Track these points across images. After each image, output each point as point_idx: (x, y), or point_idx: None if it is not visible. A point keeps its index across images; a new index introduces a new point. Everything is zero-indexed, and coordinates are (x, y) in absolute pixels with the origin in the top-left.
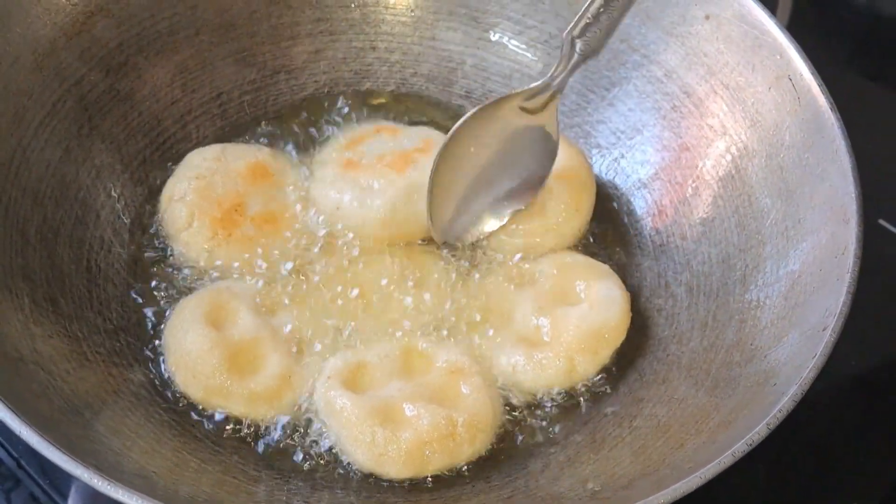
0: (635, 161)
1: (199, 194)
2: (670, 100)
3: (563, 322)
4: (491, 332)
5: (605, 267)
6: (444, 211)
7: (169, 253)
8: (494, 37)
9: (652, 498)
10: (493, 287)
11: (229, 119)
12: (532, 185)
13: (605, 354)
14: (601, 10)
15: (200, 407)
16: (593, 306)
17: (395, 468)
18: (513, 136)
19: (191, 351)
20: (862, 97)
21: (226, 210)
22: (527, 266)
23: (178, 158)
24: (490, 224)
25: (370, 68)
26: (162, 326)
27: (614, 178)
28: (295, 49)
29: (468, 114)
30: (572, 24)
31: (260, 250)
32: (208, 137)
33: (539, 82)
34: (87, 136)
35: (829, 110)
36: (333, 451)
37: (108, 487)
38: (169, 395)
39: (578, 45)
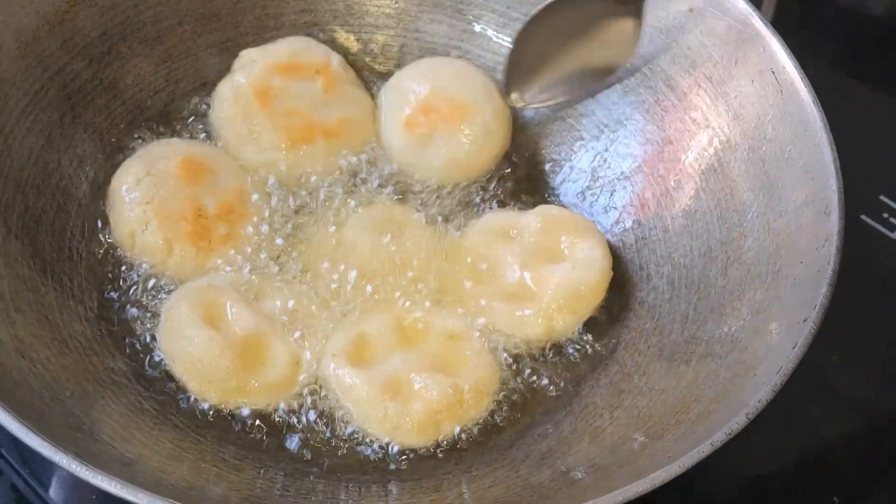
0: (618, 154)
1: (161, 216)
2: (654, 93)
3: (545, 281)
4: (474, 289)
5: (590, 223)
6: (519, 73)
7: None
8: (478, 29)
9: (631, 486)
10: (477, 243)
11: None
12: (607, 69)
13: (584, 313)
14: None
15: (188, 396)
16: (575, 266)
17: (409, 438)
18: (598, 18)
19: (202, 358)
20: (846, 96)
21: (191, 220)
22: (511, 220)
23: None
24: (561, 97)
25: (354, 59)
26: (140, 312)
27: (597, 170)
28: (279, 40)
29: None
30: None
31: (247, 239)
32: (192, 128)
33: None
34: (70, 124)
35: (812, 103)
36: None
37: (88, 473)
38: (148, 383)
39: None
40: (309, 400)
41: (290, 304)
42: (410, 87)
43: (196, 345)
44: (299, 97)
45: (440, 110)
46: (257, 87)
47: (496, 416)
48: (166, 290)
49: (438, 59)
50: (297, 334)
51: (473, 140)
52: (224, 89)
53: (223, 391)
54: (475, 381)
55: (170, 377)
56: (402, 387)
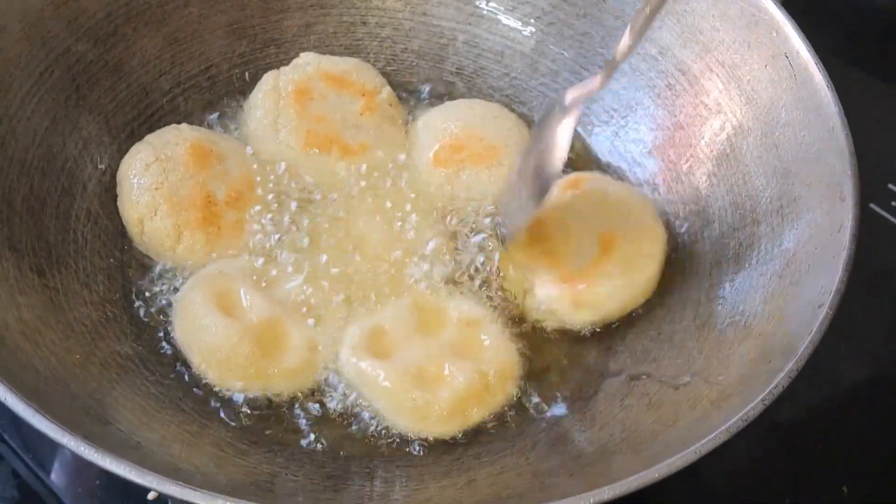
0: (629, 139)
1: (170, 202)
2: (665, 77)
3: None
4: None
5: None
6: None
7: None
8: (486, 11)
9: (646, 472)
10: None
11: (218, 92)
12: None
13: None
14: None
15: (195, 380)
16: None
17: (438, 427)
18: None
19: (221, 346)
20: (852, 86)
21: (201, 206)
22: None
23: None
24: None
25: (360, 43)
26: (147, 296)
27: (607, 155)
28: (285, 22)
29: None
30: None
31: (256, 226)
32: (196, 110)
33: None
34: (75, 106)
35: (826, 87)
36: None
37: (97, 456)
38: (155, 367)
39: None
40: (321, 386)
41: (303, 290)
42: (444, 124)
43: (214, 333)
44: (335, 109)
45: (470, 149)
46: (299, 85)
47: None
48: (173, 275)
49: (475, 101)
50: (311, 321)
51: (498, 182)
52: (269, 77)
53: (244, 378)
54: (499, 365)
55: (177, 361)
56: (427, 374)
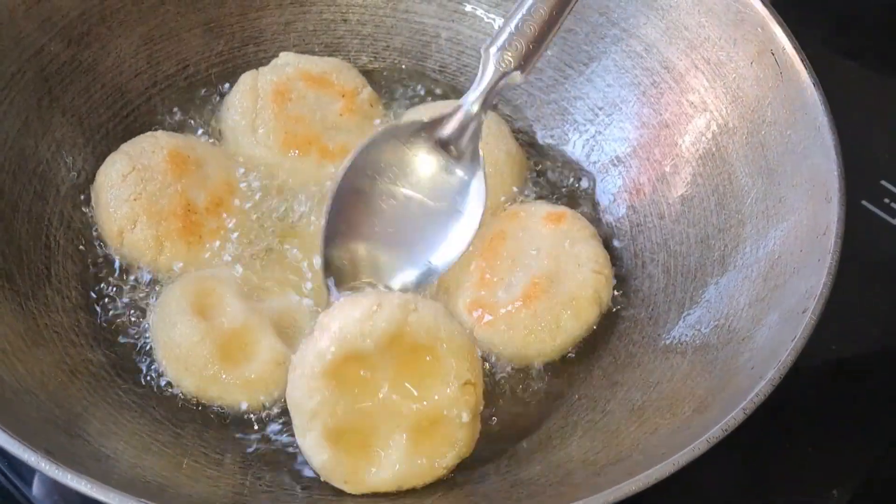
0: (613, 138)
1: (149, 213)
2: (650, 75)
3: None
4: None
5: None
6: (340, 251)
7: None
8: (469, 8)
9: (624, 484)
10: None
11: (195, 92)
12: (451, 245)
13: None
14: (525, 19)
15: (170, 389)
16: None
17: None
18: (430, 180)
19: (181, 343)
20: (843, 77)
21: (181, 216)
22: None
23: (142, 132)
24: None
25: (341, 41)
26: (121, 302)
27: (591, 155)
28: (264, 20)
29: (368, 139)
30: (493, 36)
31: (236, 234)
32: (173, 111)
33: (450, 107)
34: (48, 108)
35: (812, 86)
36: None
37: (57, 472)
38: (128, 375)
39: (496, 58)
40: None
41: (283, 300)
42: None
43: (178, 331)
44: (314, 109)
45: None
46: (278, 85)
47: (486, 410)
48: (151, 281)
49: (451, 102)
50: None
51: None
52: (247, 77)
53: (201, 380)
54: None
55: (150, 368)
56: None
